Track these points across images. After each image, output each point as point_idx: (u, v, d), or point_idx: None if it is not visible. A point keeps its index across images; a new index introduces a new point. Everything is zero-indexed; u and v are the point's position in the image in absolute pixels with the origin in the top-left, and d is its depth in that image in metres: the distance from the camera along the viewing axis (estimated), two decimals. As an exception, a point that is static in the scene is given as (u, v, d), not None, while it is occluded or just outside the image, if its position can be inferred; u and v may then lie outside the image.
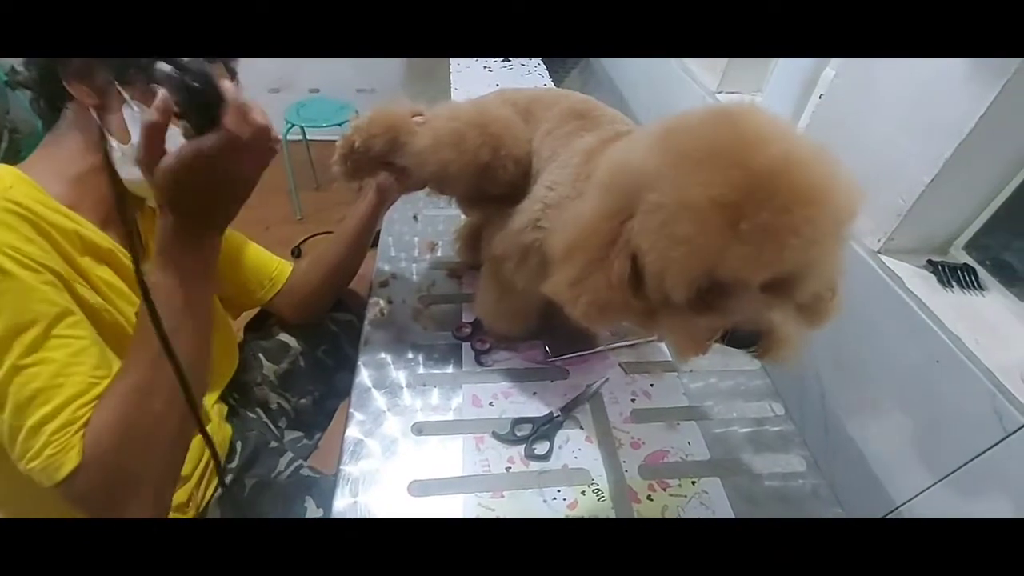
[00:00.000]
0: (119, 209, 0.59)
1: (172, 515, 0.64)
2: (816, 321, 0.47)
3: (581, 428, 0.67)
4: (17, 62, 0.59)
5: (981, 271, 0.63)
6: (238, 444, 0.77)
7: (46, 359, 0.47)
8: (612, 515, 0.59)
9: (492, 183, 0.64)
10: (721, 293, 0.41)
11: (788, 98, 0.87)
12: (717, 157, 0.38)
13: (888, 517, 0.61)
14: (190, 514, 0.67)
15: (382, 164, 0.66)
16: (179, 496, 0.65)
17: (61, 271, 0.51)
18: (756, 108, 0.42)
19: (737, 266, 0.38)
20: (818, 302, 0.46)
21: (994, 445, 0.51)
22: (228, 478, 0.73)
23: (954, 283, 0.61)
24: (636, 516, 0.59)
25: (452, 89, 1.50)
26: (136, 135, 0.56)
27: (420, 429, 0.66)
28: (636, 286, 0.45)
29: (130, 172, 0.58)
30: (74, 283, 0.52)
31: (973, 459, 0.52)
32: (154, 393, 0.49)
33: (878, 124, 0.64)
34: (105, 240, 0.58)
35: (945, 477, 0.55)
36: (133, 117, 0.55)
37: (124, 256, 0.60)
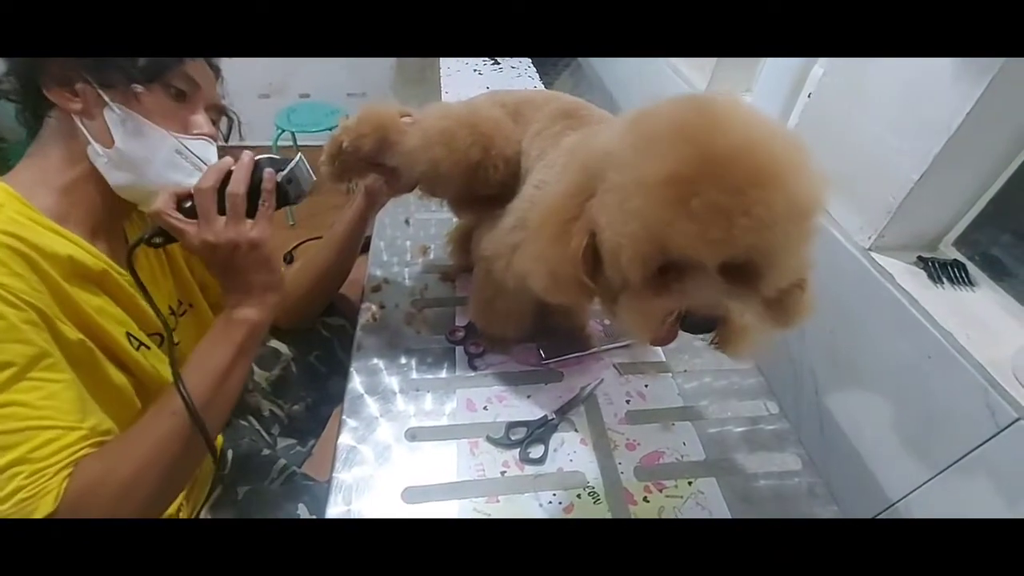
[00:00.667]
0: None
1: (163, 526, 0.64)
2: (787, 319, 0.46)
3: (576, 431, 0.67)
4: (2, 71, 0.58)
5: (971, 267, 0.63)
6: (229, 452, 0.76)
7: (17, 401, 0.46)
8: (608, 518, 0.58)
9: (483, 183, 0.64)
10: (678, 276, 0.41)
11: (777, 97, 0.88)
12: (676, 137, 0.38)
13: (883, 513, 0.61)
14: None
15: (371, 165, 0.66)
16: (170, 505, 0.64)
17: (45, 308, 0.49)
18: (731, 97, 0.41)
19: (687, 244, 0.38)
20: (786, 298, 0.45)
21: (987, 440, 0.51)
22: (220, 487, 0.72)
23: (944, 279, 0.61)
24: (633, 517, 0.59)
25: (442, 92, 1.49)
26: (119, 138, 0.55)
27: (414, 435, 0.65)
28: (597, 266, 0.45)
29: (117, 177, 0.57)
30: (56, 321, 0.51)
31: (967, 454, 0.53)
32: (167, 458, 0.51)
33: (867, 122, 0.64)
34: (97, 261, 0.57)
35: (939, 473, 0.55)
36: (116, 120, 0.55)
37: (118, 275, 0.59)
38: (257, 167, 0.57)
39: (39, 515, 0.44)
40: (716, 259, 0.39)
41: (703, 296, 0.40)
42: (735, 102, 0.41)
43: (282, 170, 0.59)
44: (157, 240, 0.57)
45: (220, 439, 0.76)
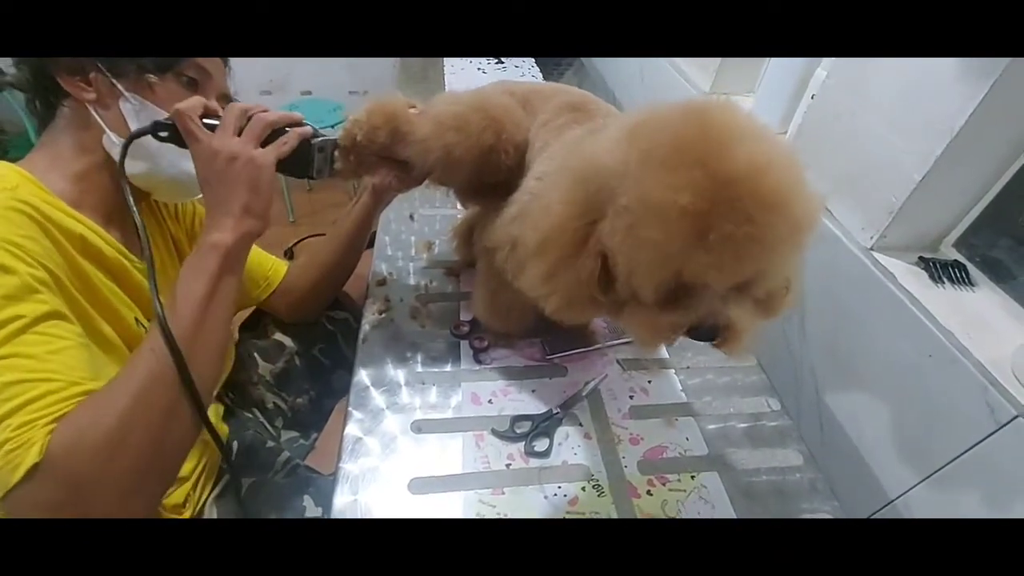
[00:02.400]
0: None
1: (169, 516, 0.64)
2: (771, 313, 0.48)
3: (580, 425, 0.67)
4: (6, 63, 0.58)
5: (971, 268, 0.64)
6: (234, 444, 0.76)
7: (21, 353, 0.44)
8: (612, 510, 0.59)
9: (493, 169, 0.64)
10: (686, 292, 0.42)
11: (780, 99, 0.89)
12: (682, 158, 0.38)
13: (883, 510, 0.62)
14: (187, 514, 0.66)
15: (383, 159, 0.66)
16: (176, 496, 0.65)
17: (60, 274, 0.49)
18: (728, 105, 0.42)
19: (702, 272, 0.40)
20: (773, 297, 0.47)
21: (986, 437, 0.51)
22: (225, 478, 0.72)
23: (945, 279, 0.62)
24: (636, 511, 0.59)
25: (446, 90, 1.50)
26: (135, 127, 0.56)
27: (419, 427, 0.65)
28: (605, 283, 0.46)
29: (132, 166, 0.57)
30: (71, 288, 0.51)
31: (966, 452, 0.53)
32: (152, 405, 0.46)
33: (870, 123, 0.65)
34: (110, 247, 0.57)
35: (939, 470, 0.56)
36: (131, 110, 0.55)
37: (129, 262, 0.59)
38: (299, 123, 0.59)
39: (25, 467, 0.41)
40: (729, 284, 0.41)
41: (709, 310, 0.42)
42: (731, 110, 0.41)
43: (318, 137, 0.60)
44: (162, 135, 0.56)
45: (225, 430, 0.76)
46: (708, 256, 0.38)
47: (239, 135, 0.55)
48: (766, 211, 0.37)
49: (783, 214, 0.38)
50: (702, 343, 0.45)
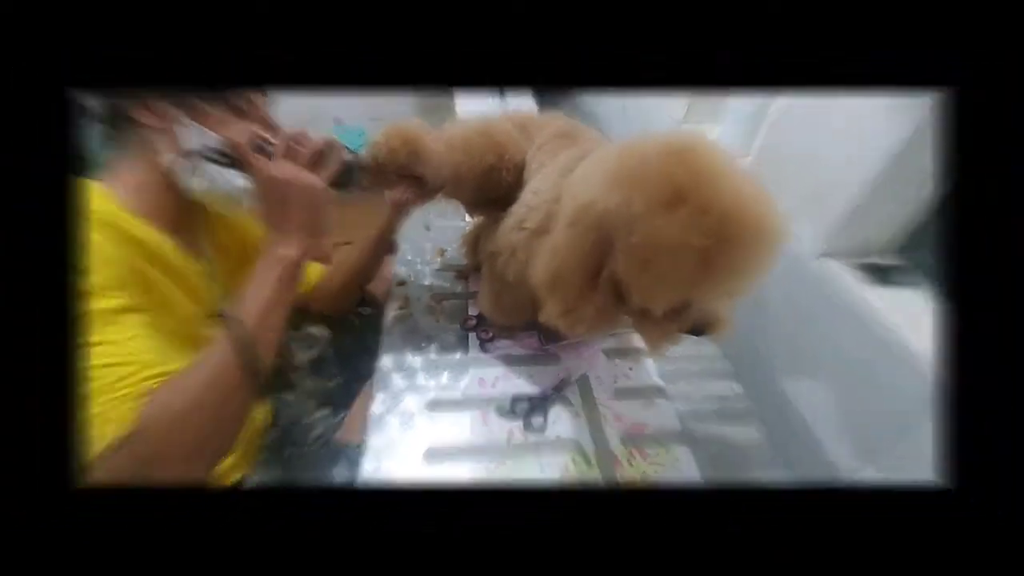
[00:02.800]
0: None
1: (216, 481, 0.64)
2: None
3: (571, 404, 0.68)
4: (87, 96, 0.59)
5: (909, 271, 0.64)
6: (275, 420, 0.76)
7: (105, 340, 0.45)
8: (599, 478, 0.59)
9: (495, 186, 0.64)
10: (685, 304, 0.44)
11: (744, 126, 0.89)
12: (683, 200, 0.38)
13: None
14: (235, 478, 0.67)
15: (401, 177, 0.66)
16: (224, 464, 0.65)
17: (128, 275, 0.50)
18: (702, 142, 0.42)
19: (711, 295, 0.42)
20: None
21: (927, 422, 0.52)
22: (265, 451, 0.73)
23: (888, 282, 0.62)
24: (619, 479, 0.60)
25: (457, 118, 1.50)
26: (189, 148, 0.56)
27: (434, 406, 0.66)
28: (617, 302, 0.47)
29: (191, 183, 0.58)
30: (138, 288, 0.52)
31: (907, 434, 0.54)
32: (218, 390, 0.48)
33: (821, 146, 0.65)
34: (172, 253, 0.58)
35: (882, 451, 0.56)
36: (186, 133, 0.56)
37: (189, 267, 0.60)
38: (337, 146, 0.61)
39: (114, 437, 0.42)
40: (731, 300, 0.44)
41: (704, 312, 0.45)
42: (707, 147, 0.41)
43: (352, 158, 0.63)
44: (224, 160, 0.57)
45: (267, 408, 0.77)
46: (714, 283, 0.40)
47: (292, 159, 0.56)
48: (759, 241, 0.39)
49: (770, 240, 0.39)
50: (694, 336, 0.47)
